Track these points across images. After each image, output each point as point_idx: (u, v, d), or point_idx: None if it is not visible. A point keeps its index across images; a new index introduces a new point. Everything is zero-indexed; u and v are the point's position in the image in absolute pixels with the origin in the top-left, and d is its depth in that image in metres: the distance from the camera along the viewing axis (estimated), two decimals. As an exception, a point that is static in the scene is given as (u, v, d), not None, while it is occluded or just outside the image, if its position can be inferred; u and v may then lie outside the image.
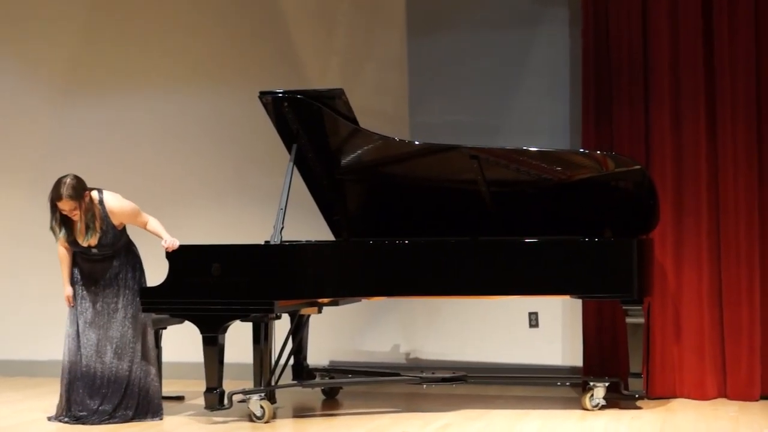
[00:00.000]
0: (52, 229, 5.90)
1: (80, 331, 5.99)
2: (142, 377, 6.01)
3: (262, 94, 6.29)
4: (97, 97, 7.98)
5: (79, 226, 5.88)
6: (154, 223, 6.09)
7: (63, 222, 5.88)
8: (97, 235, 5.91)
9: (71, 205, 5.81)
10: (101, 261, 6.00)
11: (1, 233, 8.20)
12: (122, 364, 5.98)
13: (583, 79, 6.97)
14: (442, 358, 7.40)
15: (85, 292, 6.03)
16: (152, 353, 6.10)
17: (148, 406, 6.02)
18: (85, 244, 5.96)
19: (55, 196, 5.80)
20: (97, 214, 5.88)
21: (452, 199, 6.46)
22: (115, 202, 5.97)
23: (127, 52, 7.96)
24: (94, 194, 5.95)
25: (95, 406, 5.95)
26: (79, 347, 5.99)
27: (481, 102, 7.35)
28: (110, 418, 5.96)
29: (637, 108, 6.80)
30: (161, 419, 6.05)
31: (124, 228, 6.06)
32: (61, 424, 6.01)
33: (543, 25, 7.28)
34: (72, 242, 5.96)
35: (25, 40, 8.15)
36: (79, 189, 5.82)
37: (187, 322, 6.19)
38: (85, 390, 5.98)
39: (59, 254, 6.10)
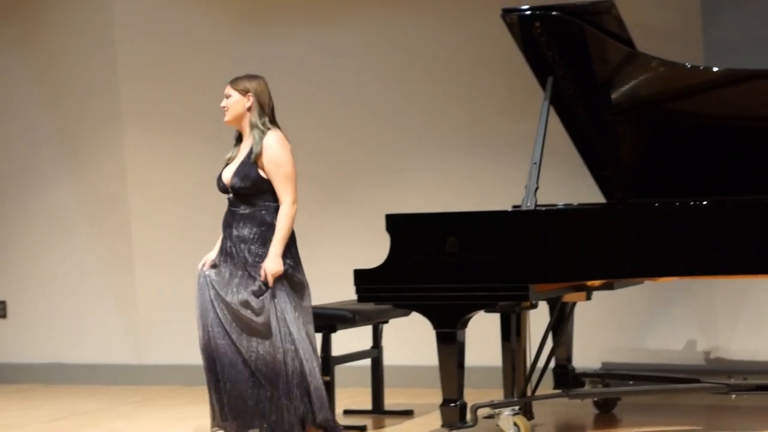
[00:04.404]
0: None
1: (206, 306, 5.40)
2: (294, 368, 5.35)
3: (506, 12, 5.78)
4: (281, 29, 7.51)
5: (233, 155, 5.53)
6: (284, 213, 5.34)
7: (237, 141, 5.58)
8: (236, 163, 5.39)
9: (226, 90, 5.46)
10: (231, 219, 5.45)
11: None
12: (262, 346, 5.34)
13: None
14: (756, 358, 6.88)
15: (219, 256, 5.50)
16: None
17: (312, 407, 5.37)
18: (225, 177, 5.46)
19: None
20: (245, 132, 5.43)
21: (765, 144, 5.75)
22: (272, 140, 5.38)
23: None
24: (265, 122, 5.41)
25: (251, 403, 5.33)
26: (205, 326, 5.39)
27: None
28: (275, 424, 5.30)
29: None
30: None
31: (270, 185, 5.41)
32: None
33: None
34: (219, 177, 5.54)
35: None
36: (242, 80, 5.43)
37: (414, 314, 5.75)
38: (229, 382, 5.36)
39: None
